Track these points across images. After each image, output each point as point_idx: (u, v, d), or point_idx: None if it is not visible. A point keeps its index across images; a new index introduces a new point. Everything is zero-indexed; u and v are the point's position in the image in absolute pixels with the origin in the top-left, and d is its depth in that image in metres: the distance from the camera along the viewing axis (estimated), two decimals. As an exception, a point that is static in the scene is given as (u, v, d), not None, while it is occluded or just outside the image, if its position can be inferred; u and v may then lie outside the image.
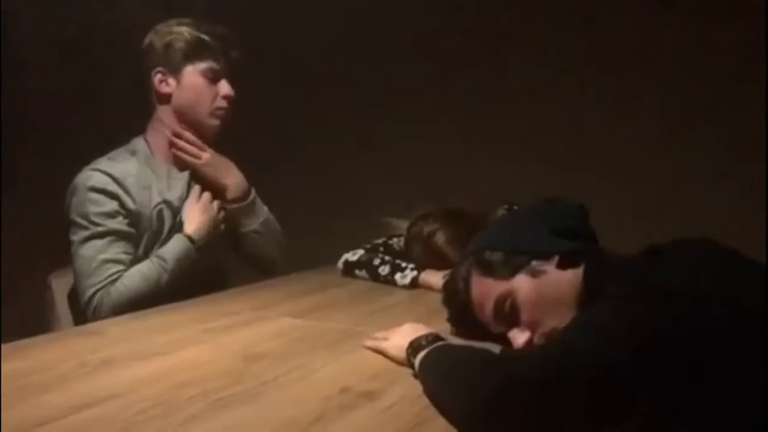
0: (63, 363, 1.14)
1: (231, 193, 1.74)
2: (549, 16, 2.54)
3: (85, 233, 1.57)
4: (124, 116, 1.75)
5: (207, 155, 1.71)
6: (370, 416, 0.93)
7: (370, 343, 1.22)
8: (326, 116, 2.85)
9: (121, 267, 1.58)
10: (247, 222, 1.78)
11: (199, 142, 1.71)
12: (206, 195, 1.70)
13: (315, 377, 1.08)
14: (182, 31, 1.66)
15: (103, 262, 1.56)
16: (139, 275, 1.58)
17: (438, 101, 2.68)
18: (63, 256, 1.83)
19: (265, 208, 1.84)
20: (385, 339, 1.19)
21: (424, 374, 1.01)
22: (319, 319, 1.45)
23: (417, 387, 1.01)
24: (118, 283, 1.56)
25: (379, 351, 1.18)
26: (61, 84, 3.20)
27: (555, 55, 2.52)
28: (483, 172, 2.49)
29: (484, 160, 2.55)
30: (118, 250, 1.58)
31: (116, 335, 1.34)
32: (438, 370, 0.98)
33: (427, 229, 1.78)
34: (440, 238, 1.75)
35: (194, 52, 1.66)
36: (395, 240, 1.94)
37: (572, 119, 2.52)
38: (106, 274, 1.56)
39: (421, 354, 1.04)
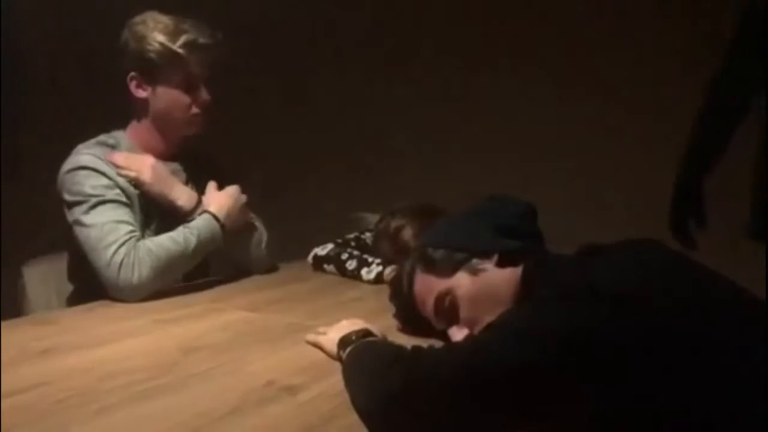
0: (4, 351, 1.15)
1: (181, 209, 1.66)
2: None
3: (85, 206, 1.54)
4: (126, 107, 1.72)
5: (147, 174, 1.62)
6: (284, 410, 0.93)
7: (310, 337, 1.22)
8: (306, 112, 2.86)
9: (133, 227, 1.54)
10: None
11: (137, 164, 1.63)
12: (234, 187, 1.72)
13: (245, 370, 1.09)
14: (156, 40, 1.59)
15: (114, 223, 1.52)
16: (167, 238, 1.57)
17: (423, 101, 2.69)
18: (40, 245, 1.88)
19: None
20: (325, 333, 1.19)
21: (344, 369, 1.01)
22: (273, 312, 1.45)
23: (341, 382, 1.01)
24: (146, 241, 1.54)
25: (317, 345, 1.19)
26: (65, 74, 3.25)
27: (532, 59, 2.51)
28: (466, 172, 2.48)
29: (470, 160, 2.55)
30: (124, 214, 1.56)
31: (68, 324, 1.36)
32: (354, 366, 0.98)
33: (394, 224, 1.77)
34: (407, 233, 1.75)
35: (167, 64, 1.61)
36: (367, 235, 1.94)
37: (562, 118, 2.50)
38: (122, 232, 1.51)
39: (348, 349, 1.05)
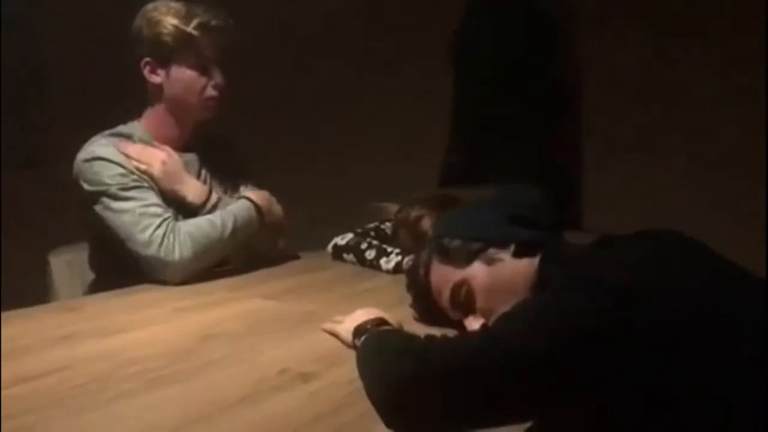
0: (25, 337, 1.17)
1: (191, 205, 1.67)
2: None
3: (110, 194, 1.57)
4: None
5: (157, 169, 1.62)
6: (295, 398, 0.94)
7: (326, 326, 1.22)
8: (327, 103, 2.86)
9: (164, 208, 1.58)
10: None
11: (148, 157, 1.64)
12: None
13: (260, 358, 1.10)
14: (170, 23, 1.61)
15: (145, 207, 1.56)
16: (205, 220, 1.60)
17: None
18: (68, 234, 1.90)
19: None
20: (341, 322, 1.20)
21: (358, 358, 1.01)
22: (290, 301, 1.46)
23: (354, 370, 1.01)
24: (184, 224, 1.57)
25: (333, 334, 1.19)
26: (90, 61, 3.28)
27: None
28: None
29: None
30: (152, 198, 1.59)
31: (91, 312, 1.38)
32: (367, 355, 0.97)
33: (414, 214, 1.77)
34: (426, 223, 1.73)
35: (181, 46, 1.63)
36: (387, 225, 1.94)
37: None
38: (156, 213, 1.55)
39: (363, 338, 1.05)
